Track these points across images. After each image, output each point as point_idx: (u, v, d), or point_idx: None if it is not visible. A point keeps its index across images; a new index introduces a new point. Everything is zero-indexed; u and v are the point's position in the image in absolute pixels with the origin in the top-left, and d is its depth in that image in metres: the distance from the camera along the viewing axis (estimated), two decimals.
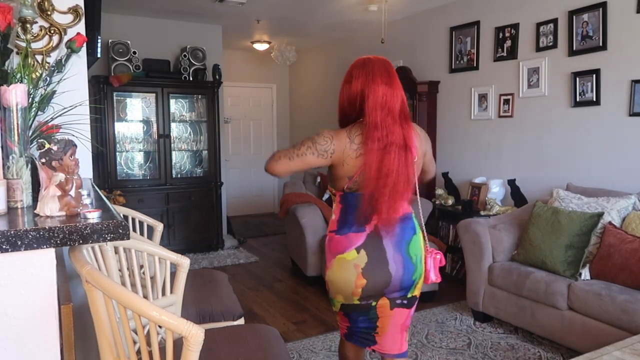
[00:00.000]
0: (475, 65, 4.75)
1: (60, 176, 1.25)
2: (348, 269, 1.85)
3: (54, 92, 1.92)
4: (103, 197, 1.67)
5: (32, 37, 2.00)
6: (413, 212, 1.96)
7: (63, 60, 2.01)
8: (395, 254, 1.86)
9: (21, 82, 1.67)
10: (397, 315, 1.93)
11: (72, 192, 1.27)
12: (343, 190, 1.90)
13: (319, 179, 4.81)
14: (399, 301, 1.92)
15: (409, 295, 1.94)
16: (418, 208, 1.99)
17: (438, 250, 2.00)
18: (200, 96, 5.70)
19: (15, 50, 1.84)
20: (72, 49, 2.01)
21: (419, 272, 1.92)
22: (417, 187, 1.92)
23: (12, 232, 1.08)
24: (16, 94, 1.33)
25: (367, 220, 1.85)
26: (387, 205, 1.81)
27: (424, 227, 1.98)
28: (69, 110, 1.92)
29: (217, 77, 5.69)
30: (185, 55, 5.56)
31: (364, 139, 1.81)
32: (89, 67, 2.44)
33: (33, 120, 1.76)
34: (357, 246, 1.85)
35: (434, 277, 1.96)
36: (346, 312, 1.97)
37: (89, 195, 1.42)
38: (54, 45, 2.12)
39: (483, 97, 4.70)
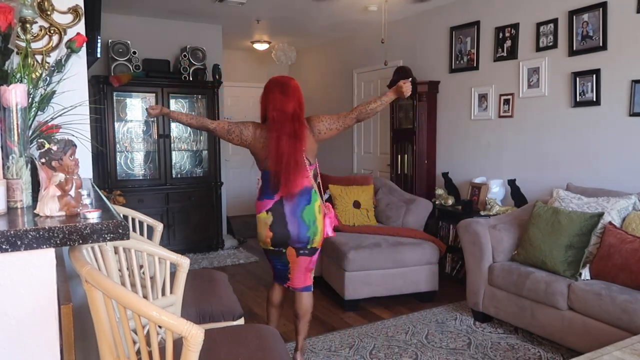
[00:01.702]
0: (475, 65, 4.75)
1: (60, 176, 1.25)
2: (262, 225, 2.67)
3: (53, 92, 1.92)
4: (103, 197, 1.67)
5: (32, 37, 2.00)
6: (314, 187, 2.67)
7: (63, 60, 2.01)
8: (291, 217, 2.61)
9: (21, 82, 1.67)
10: (301, 260, 2.71)
11: (72, 192, 1.27)
12: (262, 170, 2.68)
13: (318, 179, 4.81)
14: (302, 251, 2.68)
15: (309, 247, 2.68)
16: (314, 184, 2.70)
17: (331, 214, 2.75)
18: (200, 96, 5.70)
19: (15, 50, 1.84)
20: (72, 49, 2.01)
21: (312, 231, 2.65)
22: (311, 169, 2.66)
23: (12, 232, 1.08)
24: (16, 94, 1.33)
25: (275, 190, 2.61)
26: (286, 179, 2.55)
27: (320, 199, 2.70)
28: (69, 110, 1.92)
29: (217, 77, 5.69)
30: (185, 55, 5.56)
31: (267, 132, 2.61)
32: (88, 67, 2.44)
33: (33, 120, 1.75)
34: (266, 209, 2.64)
35: (329, 233, 2.74)
36: (268, 256, 2.81)
37: (88, 195, 1.42)
38: (53, 45, 2.12)
39: (483, 97, 4.70)
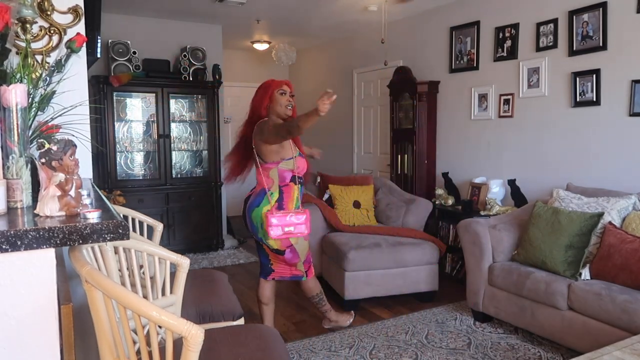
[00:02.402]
0: (475, 65, 4.75)
1: (60, 176, 1.25)
2: None
3: (53, 92, 1.92)
4: (103, 197, 1.67)
5: (31, 37, 2.00)
6: (271, 190, 2.76)
7: (63, 60, 2.00)
8: (247, 214, 2.86)
9: (21, 82, 1.67)
10: (276, 257, 2.87)
11: (72, 192, 1.27)
12: None
13: (318, 179, 4.81)
14: (270, 249, 2.82)
15: (272, 248, 2.82)
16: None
17: (274, 215, 2.74)
18: (200, 96, 5.70)
19: (15, 50, 1.85)
20: (72, 49, 2.01)
21: (262, 233, 2.79)
22: (267, 169, 2.78)
23: (12, 232, 1.08)
24: (16, 94, 1.33)
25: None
26: (227, 174, 2.93)
27: (270, 203, 2.76)
28: (69, 110, 1.92)
29: (217, 77, 5.69)
30: (185, 55, 5.56)
31: None
32: (88, 67, 2.44)
33: (33, 120, 1.75)
34: (244, 199, 2.94)
35: (273, 233, 2.74)
36: (257, 248, 2.98)
37: (88, 195, 1.42)
38: (53, 45, 2.12)
39: (483, 97, 4.70)
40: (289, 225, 2.74)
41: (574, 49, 3.85)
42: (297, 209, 2.86)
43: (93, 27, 2.82)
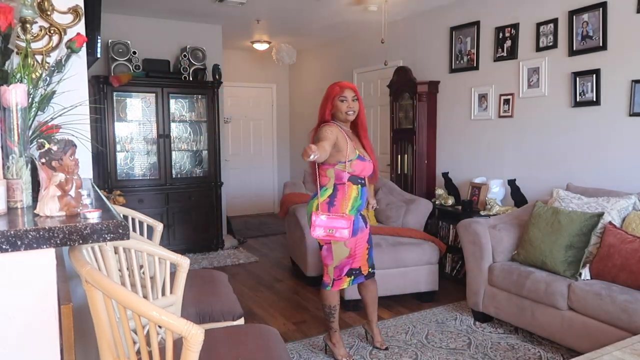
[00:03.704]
0: (475, 65, 4.75)
1: (60, 176, 1.25)
2: None
3: (53, 92, 1.92)
4: (103, 197, 1.67)
5: (32, 37, 2.00)
6: (326, 186, 2.82)
7: (63, 60, 2.00)
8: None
9: (21, 82, 1.67)
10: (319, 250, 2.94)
11: (72, 192, 1.27)
12: None
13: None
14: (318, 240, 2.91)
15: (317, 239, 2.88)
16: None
17: (318, 215, 2.76)
18: (200, 96, 5.70)
19: (15, 50, 1.84)
20: (72, 49, 2.01)
21: (309, 223, 2.79)
22: (325, 169, 2.85)
23: (12, 232, 1.08)
24: (16, 94, 1.33)
25: None
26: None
27: (318, 198, 2.83)
28: (69, 110, 1.92)
29: (217, 77, 5.69)
30: (185, 55, 5.56)
31: None
32: (89, 67, 2.44)
33: (33, 120, 1.75)
34: None
35: (315, 234, 2.78)
36: None
37: (89, 195, 1.42)
38: (53, 46, 2.12)
39: (483, 97, 4.70)
40: (332, 228, 2.75)
41: (574, 49, 3.85)
42: (352, 211, 2.83)
43: (93, 27, 2.82)
